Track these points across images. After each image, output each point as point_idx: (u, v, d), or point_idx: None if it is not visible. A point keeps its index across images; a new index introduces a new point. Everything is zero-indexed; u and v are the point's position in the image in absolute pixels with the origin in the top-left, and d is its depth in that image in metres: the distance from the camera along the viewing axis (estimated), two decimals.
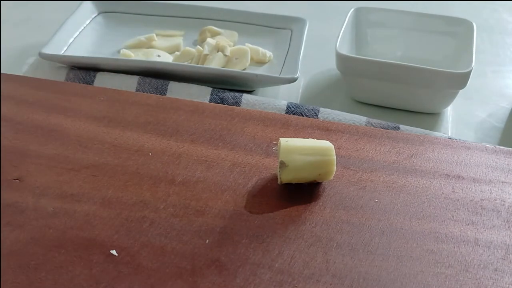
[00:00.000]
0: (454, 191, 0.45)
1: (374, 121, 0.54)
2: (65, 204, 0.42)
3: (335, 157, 0.43)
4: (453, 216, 0.43)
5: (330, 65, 0.63)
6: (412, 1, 0.80)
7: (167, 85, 0.58)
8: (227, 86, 0.60)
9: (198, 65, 0.61)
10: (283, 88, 0.63)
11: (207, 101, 0.57)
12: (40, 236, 0.40)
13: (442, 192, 0.45)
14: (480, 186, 0.46)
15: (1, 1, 0.76)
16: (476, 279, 0.38)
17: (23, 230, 0.40)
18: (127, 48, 0.65)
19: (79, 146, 0.47)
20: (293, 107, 0.56)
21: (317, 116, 0.55)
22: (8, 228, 0.40)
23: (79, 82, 0.59)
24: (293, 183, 0.44)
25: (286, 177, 0.43)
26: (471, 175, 0.47)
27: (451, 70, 0.57)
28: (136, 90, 0.58)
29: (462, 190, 0.45)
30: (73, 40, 0.64)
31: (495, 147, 0.50)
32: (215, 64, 0.62)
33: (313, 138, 0.45)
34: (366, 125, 0.54)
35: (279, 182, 0.44)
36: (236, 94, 0.57)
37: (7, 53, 0.66)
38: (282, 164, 0.43)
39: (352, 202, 0.43)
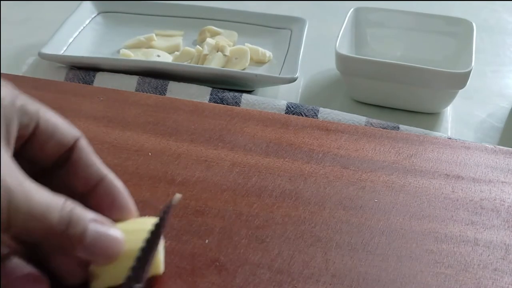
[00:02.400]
0: (453, 191, 0.45)
1: (374, 121, 0.54)
2: None
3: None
4: (452, 216, 0.43)
5: (329, 65, 0.63)
6: (412, 1, 0.80)
7: (167, 85, 0.58)
8: (227, 86, 0.60)
9: (198, 65, 0.61)
10: (283, 88, 0.63)
11: (206, 101, 0.57)
12: None
13: (442, 192, 0.45)
14: (480, 186, 0.46)
15: (1, 1, 0.76)
16: (476, 279, 0.38)
17: None
18: (127, 48, 0.65)
19: None
20: (292, 107, 0.56)
21: (316, 116, 0.55)
22: None
23: (79, 82, 0.59)
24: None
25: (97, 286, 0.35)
26: (471, 175, 0.47)
27: (451, 70, 0.57)
28: (136, 90, 0.58)
29: (462, 190, 0.45)
30: (72, 40, 0.64)
31: (495, 147, 0.50)
32: (214, 64, 0.62)
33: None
34: (365, 125, 0.54)
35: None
36: (236, 94, 0.57)
37: (7, 53, 0.66)
38: (92, 274, 0.34)
39: (351, 202, 0.43)
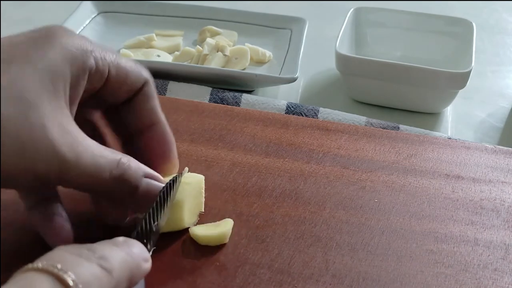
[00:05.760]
0: (453, 191, 0.45)
1: (374, 121, 0.54)
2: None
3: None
4: (452, 216, 0.43)
5: (329, 65, 0.63)
6: (412, 1, 0.80)
7: (167, 85, 0.58)
8: (227, 86, 0.60)
9: (198, 65, 0.61)
10: (283, 88, 0.63)
11: (206, 101, 0.57)
12: (40, 236, 0.39)
13: (442, 192, 0.45)
14: (480, 186, 0.46)
15: (1, 1, 0.76)
16: (476, 279, 0.38)
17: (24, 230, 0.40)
18: (127, 48, 0.65)
19: None
20: (292, 107, 0.56)
21: (316, 116, 0.55)
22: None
23: None
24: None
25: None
26: (471, 175, 0.47)
27: (451, 70, 0.57)
28: None
29: (462, 190, 0.45)
30: None
31: (495, 147, 0.50)
32: (214, 64, 0.62)
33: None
34: (365, 125, 0.54)
35: None
36: (236, 94, 0.57)
37: None
38: None
39: (351, 202, 0.43)
